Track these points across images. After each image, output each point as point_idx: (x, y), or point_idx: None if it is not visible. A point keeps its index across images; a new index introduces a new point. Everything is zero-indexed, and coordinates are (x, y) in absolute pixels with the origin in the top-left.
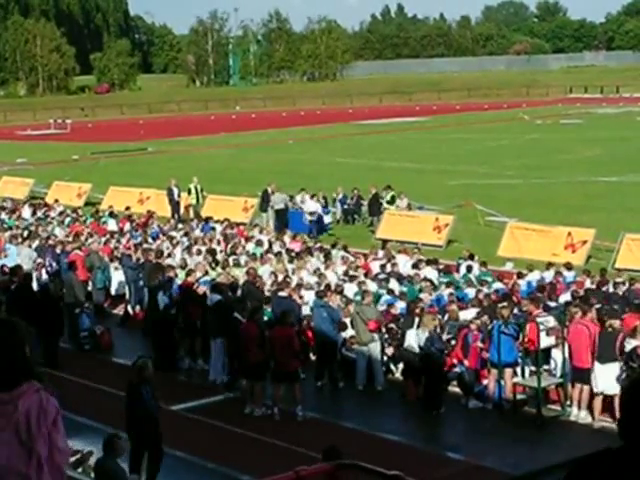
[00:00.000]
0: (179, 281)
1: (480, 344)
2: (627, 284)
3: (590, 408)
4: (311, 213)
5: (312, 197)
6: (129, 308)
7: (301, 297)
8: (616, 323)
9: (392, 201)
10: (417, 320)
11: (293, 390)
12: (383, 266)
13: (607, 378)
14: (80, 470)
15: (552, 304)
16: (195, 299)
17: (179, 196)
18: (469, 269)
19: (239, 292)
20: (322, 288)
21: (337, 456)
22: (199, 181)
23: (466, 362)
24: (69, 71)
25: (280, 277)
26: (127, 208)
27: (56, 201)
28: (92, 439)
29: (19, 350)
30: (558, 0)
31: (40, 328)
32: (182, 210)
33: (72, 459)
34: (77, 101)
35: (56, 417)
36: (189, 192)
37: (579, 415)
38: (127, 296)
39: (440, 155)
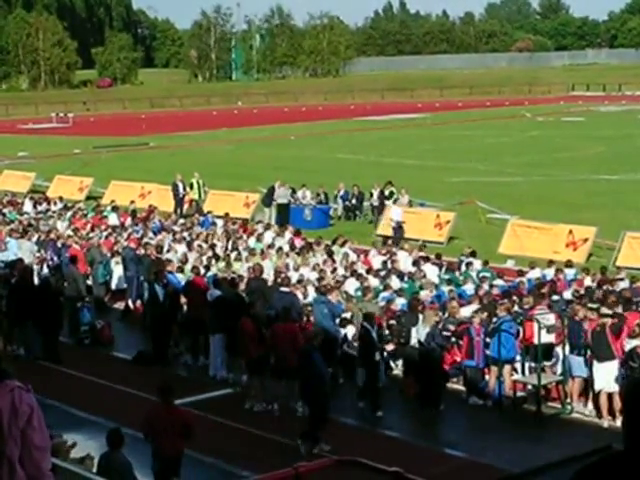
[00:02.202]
0: (180, 276)
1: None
2: (627, 282)
3: (596, 407)
4: (397, 222)
5: (394, 202)
6: (129, 302)
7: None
8: (607, 321)
9: (390, 196)
10: (421, 317)
11: (293, 386)
12: (385, 262)
13: (605, 376)
14: (83, 467)
15: (555, 298)
16: (201, 295)
17: (185, 190)
18: (469, 266)
19: (242, 287)
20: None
21: (170, 393)
22: (201, 176)
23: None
24: (71, 65)
25: (281, 272)
26: (132, 202)
27: (60, 198)
28: (93, 433)
29: None
30: None
31: (40, 322)
32: (185, 205)
33: (73, 454)
34: (79, 95)
35: (31, 416)
36: (191, 187)
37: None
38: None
39: (442, 152)
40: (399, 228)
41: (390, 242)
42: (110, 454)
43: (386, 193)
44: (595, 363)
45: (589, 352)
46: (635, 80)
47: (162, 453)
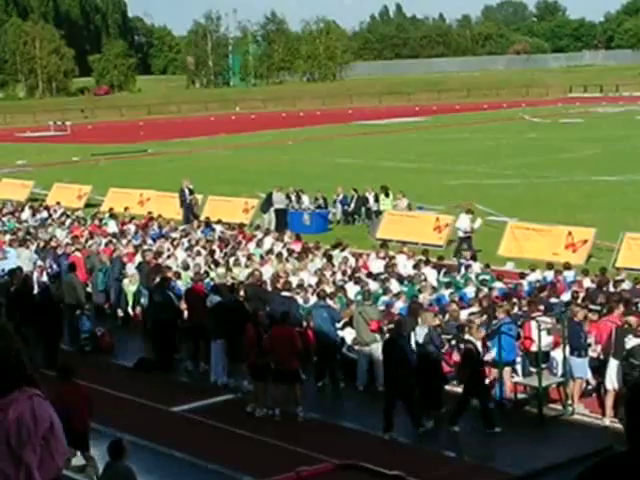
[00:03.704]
0: (180, 282)
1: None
2: (629, 283)
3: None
4: (464, 232)
5: (467, 212)
6: (129, 309)
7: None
8: (633, 320)
9: (387, 195)
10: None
11: (294, 390)
12: (387, 266)
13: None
14: (84, 474)
15: (554, 301)
16: (201, 301)
17: (191, 194)
18: (468, 269)
19: (241, 293)
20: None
21: (69, 372)
22: (191, 181)
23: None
24: (68, 73)
25: (281, 277)
26: (126, 208)
27: (58, 203)
28: (93, 441)
29: (11, 355)
30: None
31: (40, 330)
32: (195, 210)
33: (74, 462)
34: (77, 103)
35: (52, 422)
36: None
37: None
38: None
39: (440, 155)
40: (467, 238)
41: (455, 255)
42: (113, 464)
43: (382, 197)
44: (612, 360)
45: (611, 350)
46: (632, 81)
47: (70, 429)
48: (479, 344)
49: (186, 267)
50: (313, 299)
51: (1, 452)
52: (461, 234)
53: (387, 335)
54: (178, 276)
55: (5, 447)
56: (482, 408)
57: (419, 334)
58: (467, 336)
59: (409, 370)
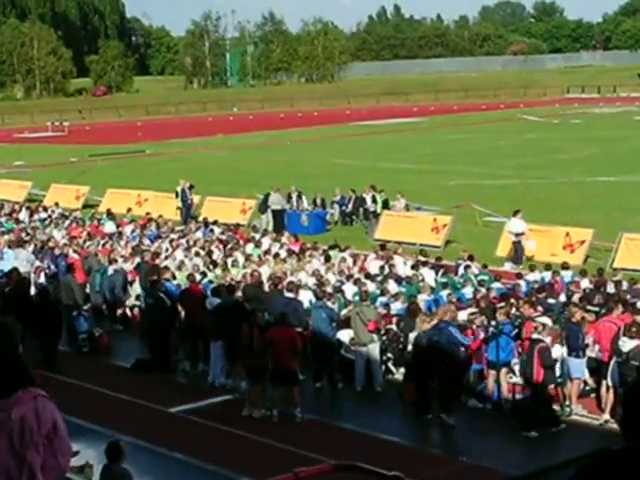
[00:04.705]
0: (176, 283)
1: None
2: (626, 283)
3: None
4: (517, 234)
5: (515, 214)
6: (127, 310)
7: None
8: None
9: (385, 202)
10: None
11: (292, 392)
12: (382, 267)
13: None
14: (83, 475)
15: (552, 301)
16: (198, 302)
17: (191, 188)
18: (467, 269)
19: (239, 294)
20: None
21: None
22: (187, 181)
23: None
24: (66, 74)
25: (280, 278)
26: (129, 210)
27: (56, 204)
28: (91, 442)
29: (16, 355)
30: (555, 0)
31: (39, 331)
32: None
33: (74, 462)
34: (74, 103)
35: (55, 423)
36: (176, 195)
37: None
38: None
39: (438, 155)
40: (519, 243)
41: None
42: (110, 467)
43: (378, 199)
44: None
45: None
46: (630, 82)
47: None
48: (549, 341)
49: (182, 267)
50: (307, 295)
51: (5, 458)
52: (513, 238)
53: (427, 328)
54: (174, 277)
55: (8, 447)
56: (539, 410)
57: (413, 335)
58: (535, 335)
59: (455, 357)
